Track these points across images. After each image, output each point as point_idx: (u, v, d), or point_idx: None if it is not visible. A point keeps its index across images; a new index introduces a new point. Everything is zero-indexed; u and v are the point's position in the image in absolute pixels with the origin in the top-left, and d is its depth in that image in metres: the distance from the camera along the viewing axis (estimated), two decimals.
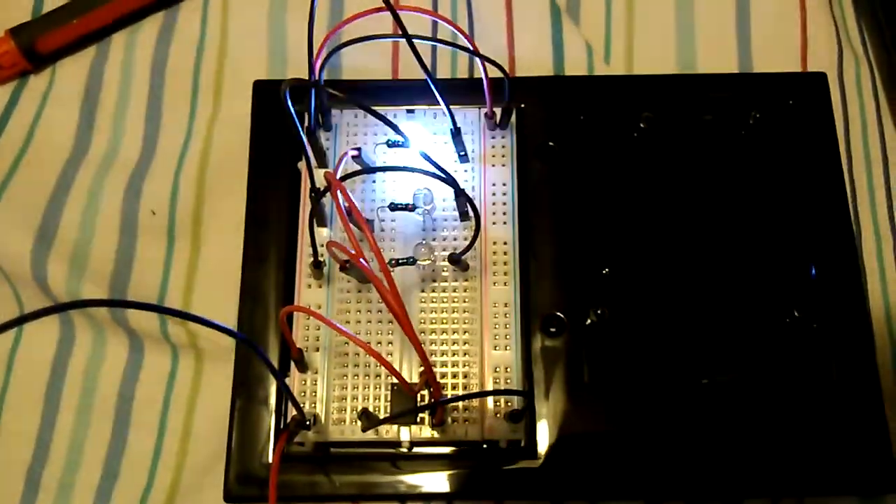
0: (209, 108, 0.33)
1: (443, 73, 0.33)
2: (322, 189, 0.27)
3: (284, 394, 0.27)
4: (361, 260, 0.23)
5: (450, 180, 0.25)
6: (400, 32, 0.26)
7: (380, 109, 0.30)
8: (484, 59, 0.27)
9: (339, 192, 0.23)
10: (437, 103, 0.30)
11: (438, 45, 0.33)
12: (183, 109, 0.33)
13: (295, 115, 0.25)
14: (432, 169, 0.25)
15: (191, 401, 0.29)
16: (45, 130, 0.33)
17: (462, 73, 0.34)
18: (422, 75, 0.32)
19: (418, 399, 0.27)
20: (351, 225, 0.24)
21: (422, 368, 0.27)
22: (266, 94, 0.32)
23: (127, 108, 0.33)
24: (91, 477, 0.29)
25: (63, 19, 0.33)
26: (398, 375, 0.24)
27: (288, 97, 0.24)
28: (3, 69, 0.33)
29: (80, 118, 0.33)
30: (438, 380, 0.27)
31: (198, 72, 0.33)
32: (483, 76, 0.28)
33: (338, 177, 0.25)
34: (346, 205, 0.23)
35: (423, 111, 0.31)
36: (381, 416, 0.27)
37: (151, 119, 0.33)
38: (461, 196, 0.27)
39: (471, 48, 0.27)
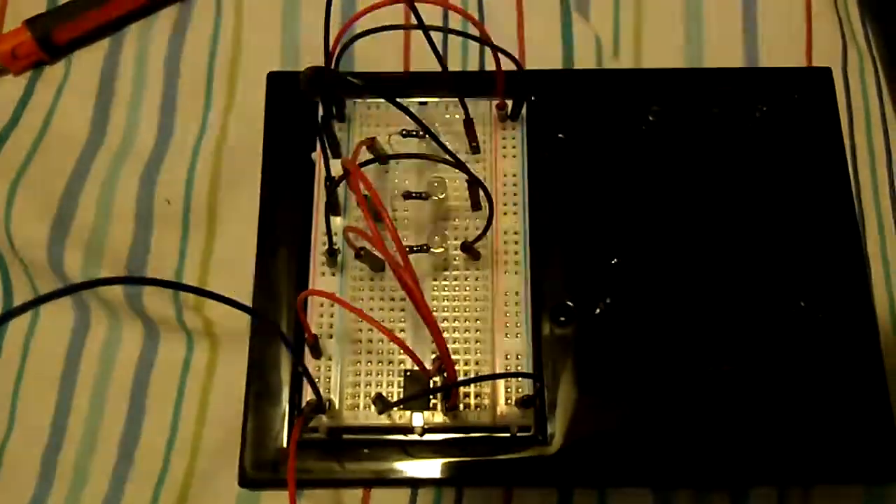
0: (223, 99, 0.33)
1: (453, 66, 0.34)
2: (337, 178, 0.28)
3: (301, 378, 0.28)
4: (379, 244, 0.23)
5: (464, 168, 0.26)
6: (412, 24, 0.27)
7: None
8: (498, 50, 0.27)
9: (358, 178, 0.23)
10: (449, 96, 0.31)
11: (451, 36, 0.34)
12: (197, 100, 0.33)
13: (312, 104, 0.26)
14: (447, 157, 0.26)
15: (205, 387, 0.30)
16: (61, 120, 0.33)
17: (472, 67, 0.34)
18: (432, 68, 0.33)
19: (431, 385, 0.27)
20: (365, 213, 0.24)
21: (434, 355, 0.28)
22: (280, 86, 0.32)
23: (142, 99, 0.33)
24: (106, 462, 0.29)
25: (78, 11, 0.33)
26: (419, 362, 0.24)
27: (308, 84, 0.24)
28: (19, 59, 0.33)
29: (96, 108, 0.33)
30: None
31: (212, 63, 0.34)
32: (497, 67, 0.28)
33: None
34: (366, 191, 0.23)
35: (434, 103, 0.31)
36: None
37: (166, 110, 0.33)
38: (474, 185, 0.28)
39: (485, 39, 0.27)
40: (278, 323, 0.29)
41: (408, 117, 0.25)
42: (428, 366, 0.28)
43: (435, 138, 0.26)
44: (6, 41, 0.33)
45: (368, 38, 0.27)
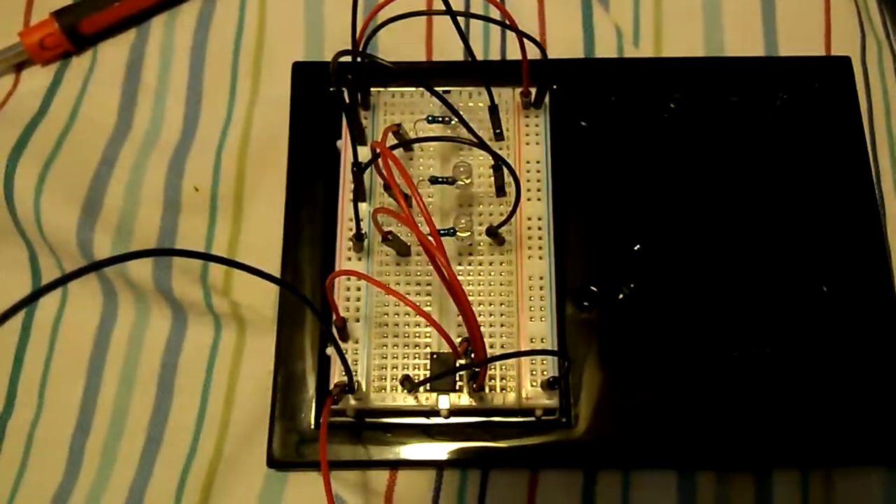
0: (248, 88, 0.34)
1: (475, 55, 0.34)
2: (364, 163, 0.28)
3: (328, 360, 0.28)
4: (411, 223, 0.23)
5: (489, 150, 0.26)
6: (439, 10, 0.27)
7: (417, 90, 0.31)
8: (524, 36, 0.28)
9: (388, 158, 0.23)
10: (472, 84, 0.31)
11: (473, 26, 0.34)
12: (223, 90, 0.34)
13: (340, 90, 0.26)
14: (472, 140, 0.26)
15: (233, 369, 0.30)
16: (89, 109, 0.33)
17: (493, 56, 0.34)
18: (455, 57, 0.33)
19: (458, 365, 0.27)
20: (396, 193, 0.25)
21: (460, 339, 0.28)
22: (305, 75, 0.33)
23: (168, 89, 0.34)
24: (135, 444, 0.29)
25: (105, 2, 0.34)
26: (449, 339, 0.25)
27: (336, 71, 0.25)
28: (47, 50, 0.34)
29: (122, 98, 0.34)
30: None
31: (237, 53, 0.34)
32: (522, 55, 0.28)
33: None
34: (398, 171, 0.23)
35: (458, 91, 0.32)
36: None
37: (192, 99, 0.34)
38: (499, 170, 0.28)
39: (512, 25, 0.28)
40: (305, 307, 0.29)
41: (431, 105, 0.26)
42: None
43: (463, 122, 0.26)
44: (34, 32, 0.33)
45: (391, 28, 0.27)
